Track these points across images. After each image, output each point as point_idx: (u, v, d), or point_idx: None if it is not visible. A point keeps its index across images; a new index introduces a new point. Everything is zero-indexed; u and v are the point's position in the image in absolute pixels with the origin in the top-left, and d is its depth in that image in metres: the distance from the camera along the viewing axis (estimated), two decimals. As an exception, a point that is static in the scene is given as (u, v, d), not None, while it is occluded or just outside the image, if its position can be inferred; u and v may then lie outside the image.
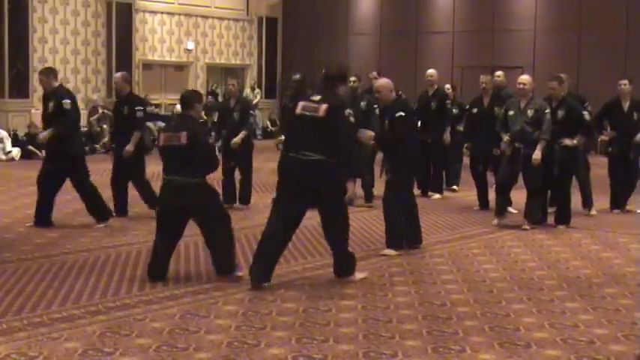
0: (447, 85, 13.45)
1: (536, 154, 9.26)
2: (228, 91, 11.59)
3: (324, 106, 6.68)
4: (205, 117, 18.79)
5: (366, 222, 9.87)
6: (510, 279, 7.13)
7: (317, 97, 6.80)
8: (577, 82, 10.74)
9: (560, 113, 9.62)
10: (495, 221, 9.74)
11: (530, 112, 9.39)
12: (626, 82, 10.89)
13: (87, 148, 18.53)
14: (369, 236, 8.98)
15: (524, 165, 9.42)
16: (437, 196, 12.15)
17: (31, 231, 8.97)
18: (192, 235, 8.50)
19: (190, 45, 22.91)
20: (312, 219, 10.12)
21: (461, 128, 12.25)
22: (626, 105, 10.83)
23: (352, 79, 11.67)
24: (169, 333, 5.38)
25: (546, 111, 9.36)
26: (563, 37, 20.95)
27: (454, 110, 12.33)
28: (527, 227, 9.44)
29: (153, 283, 6.71)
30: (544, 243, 8.79)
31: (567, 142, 9.54)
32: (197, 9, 23.03)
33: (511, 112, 9.60)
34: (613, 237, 9.24)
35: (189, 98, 7.14)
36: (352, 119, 8.01)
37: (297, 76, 11.37)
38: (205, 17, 23.32)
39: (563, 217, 9.76)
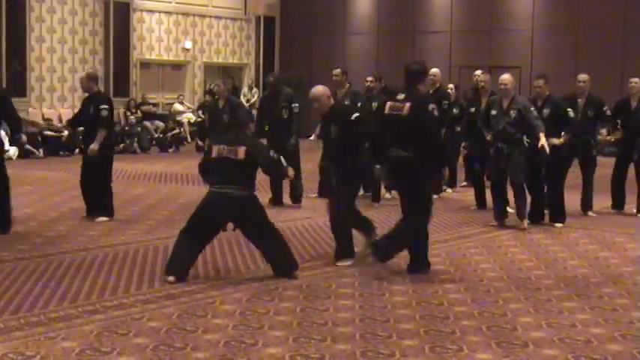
0: (450, 85, 13.40)
1: (554, 141, 9.36)
2: (215, 92, 11.42)
3: (407, 105, 7.03)
4: (202, 117, 18.79)
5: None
6: (508, 278, 7.13)
7: (401, 96, 7.14)
8: (575, 83, 10.64)
9: (546, 112, 9.62)
10: (495, 222, 9.73)
11: (513, 113, 9.29)
12: (637, 79, 10.75)
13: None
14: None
15: (507, 164, 9.34)
16: (434, 196, 12.13)
17: (28, 230, 8.97)
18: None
19: (188, 44, 22.90)
20: (310, 219, 10.14)
21: (458, 129, 12.23)
22: (634, 104, 10.69)
23: (369, 78, 11.68)
24: (167, 332, 5.38)
25: (531, 109, 9.28)
26: (560, 36, 20.97)
27: (454, 110, 12.21)
28: (525, 226, 9.43)
29: (150, 282, 6.71)
30: (541, 242, 8.80)
31: (554, 141, 9.51)
32: (195, 8, 23.01)
33: (493, 112, 9.53)
34: (610, 237, 9.25)
35: (243, 123, 7.37)
36: (436, 113, 8.18)
37: (271, 79, 11.45)
38: (203, 16, 23.31)
39: (559, 215, 9.78)
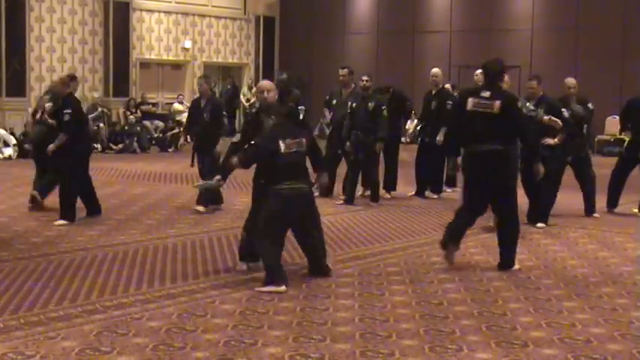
0: (447, 85, 13.39)
1: (549, 141, 9.27)
2: (199, 90, 11.20)
3: (497, 103, 7.32)
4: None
5: (365, 221, 9.88)
6: (507, 278, 7.13)
7: (487, 94, 7.39)
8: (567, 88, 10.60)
9: (540, 112, 9.49)
10: (492, 222, 9.69)
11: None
12: None
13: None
14: (366, 235, 8.98)
15: None
16: (434, 196, 12.15)
17: (27, 230, 8.96)
18: (189, 234, 8.51)
19: (187, 44, 22.90)
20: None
21: None
22: None
23: (364, 78, 11.68)
24: (166, 332, 5.38)
25: (522, 109, 9.12)
26: (560, 36, 20.97)
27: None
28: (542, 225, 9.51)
29: (150, 281, 6.71)
30: (541, 242, 8.80)
31: (549, 141, 9.46)
32: (194, 8, 23.01)
33: None
34: (610, 236, 9.25)
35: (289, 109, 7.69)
36: (525, 110, 8.93)
37: (283, 77, 11.43)
38: (203, 16, 23.31)
39: (542, 216, 9.63)
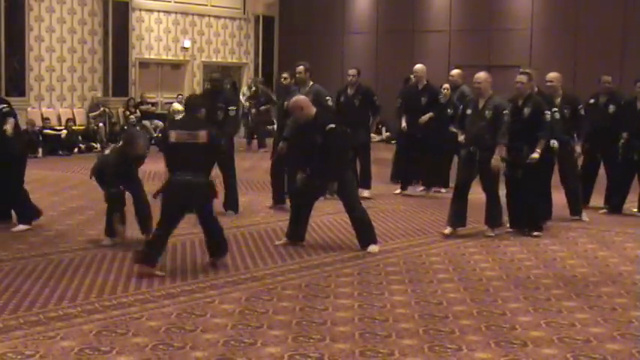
0: (446, 85, 13.34)
1: (535, 155, 8.84)
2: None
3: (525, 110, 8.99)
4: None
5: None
6: (506, 278, 7.13)
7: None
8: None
9: (527, 111, 9.00)
10: (447, 230, 9.00)
11: (487, 113, 8.76)
12: None
13: (83, 146, 18.60)
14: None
15: (480, 169, 8.86)
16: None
17: (27, 229, 8.95)
18: (188, 233, 8.50)
19: (187, 43, 22.88)
20: (310, 218, 10.10)
21: (453, 129, 12.13)
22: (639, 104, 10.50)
23: (351, 72, 11.69)
24: (166, 332, 5.38)
25: (504, 112, 8.70)
26: (559, 36, 20.96)
27: (449, 111, 12.12)
28: (492, 234, 8.93)
29: (149, 281, 6.71)
30: (540, 242, 8.80)
31: (534, 155, 8.86)
32: (194, 7, 22.99)
33: (468, 112, 9.03)
34: (609, 236, 9.25)
35: (196, 104, 7.52)
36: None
37: (215, 75, 11.37)
38: (202, 16, 23.29)
39: (534, 224, 9.14)
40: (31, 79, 19.20)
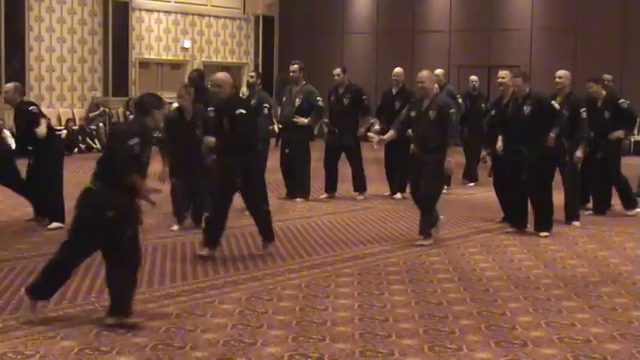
0: (450, 85, 13.26)
1: (579, 155, 9.31)
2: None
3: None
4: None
5: (364, 221, 9.88)
6: (506, 278, 7.13)
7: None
8: (573, 82, 10.50)
9: (527, 109, 8.90)
10: (430, 239, 8.54)
11: (432, 114, 8.37)
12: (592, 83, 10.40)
13: (83, 146, 18.60)
14: (366, 235, 8.98)
15: (422, 170, 8.40)
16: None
17: (27, 230, 8.96)
18: (189, 234, 8.51)
19: (187, 43, 22.88)
20: (310, 219, 10.14)
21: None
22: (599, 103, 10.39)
23: (336, 71, 11.65)
24: (166, 332, 5.37)
25: (451, 111, 8.41)
26: (559, 36, 20.97)
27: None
28: (425, 243, 8.38)
29: (149, 281, 6.70)
30: (540, 242, 8.79)
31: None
32: (194, 7, 22.99)
33: (413, 114, 8.59)
34: (609, 236, 9.24)
35: (144, 104, 5.80)
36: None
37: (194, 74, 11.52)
38: (202, 16, 23.29)
39: (546, 224, 9.05)
40: (31, 79, 19.21)
